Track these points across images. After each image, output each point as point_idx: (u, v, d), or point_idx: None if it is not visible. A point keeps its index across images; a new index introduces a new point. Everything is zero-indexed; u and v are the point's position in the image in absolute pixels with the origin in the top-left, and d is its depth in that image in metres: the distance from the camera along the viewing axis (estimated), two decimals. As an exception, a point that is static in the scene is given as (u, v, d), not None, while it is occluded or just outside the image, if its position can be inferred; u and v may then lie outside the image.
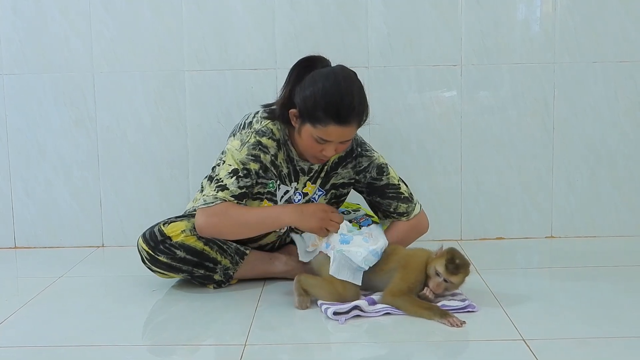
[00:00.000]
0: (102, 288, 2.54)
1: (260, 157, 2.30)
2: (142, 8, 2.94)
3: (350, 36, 2.92)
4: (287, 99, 2.28)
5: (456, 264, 2.07)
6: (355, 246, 2.18)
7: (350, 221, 2.57)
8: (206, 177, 2.62)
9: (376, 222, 2.57)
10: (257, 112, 2.38)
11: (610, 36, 2.92)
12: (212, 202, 2.26)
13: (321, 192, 2.46)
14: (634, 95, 2.95)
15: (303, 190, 2.42)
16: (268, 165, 2.32)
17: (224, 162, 2.30)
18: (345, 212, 2.63)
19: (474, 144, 2.99)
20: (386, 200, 2.44)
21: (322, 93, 2.17)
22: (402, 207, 2.45)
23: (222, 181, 2.27)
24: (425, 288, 2.11)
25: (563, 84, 2.95)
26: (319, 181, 2.44)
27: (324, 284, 2.16)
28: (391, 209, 2.45)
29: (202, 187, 2.60)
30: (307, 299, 2.16)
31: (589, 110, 2.96)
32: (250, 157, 2.29)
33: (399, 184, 2.46)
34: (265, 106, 2.39)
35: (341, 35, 2.91)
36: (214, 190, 2.27)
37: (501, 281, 2.41)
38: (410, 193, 2.48)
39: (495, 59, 2.94)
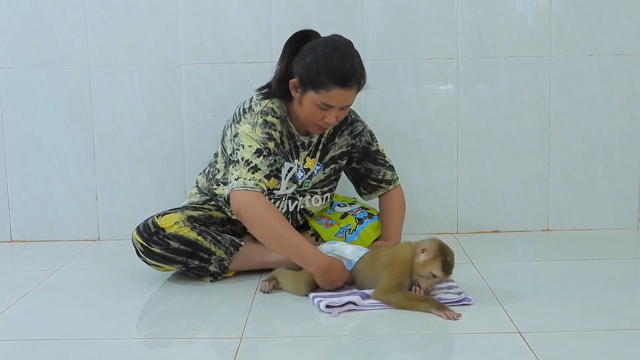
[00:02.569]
0: (98, 281, 2.54)
1: (272, 135, 2.33)
2: (138, 1, 2.93)
3: (346, 30, 2.91)
4: (284, 72, 2.33)
5: (450, 264, 2.06)
6: (340, 245, 2.31)
7: (346, 214, 2.58)
8: (201, 173, 2.63)
9: (372, 214, 2.58)
10: (252, 98, 2.41)
11: (607, 29, 2.92)
12: (252, 188, 2.25)
13: (320, 167, 2.49)
14: (630, 89, 2.95)
15: (304, 167, 2.46)
16: (279, 142, 2.36)
17: (243, 145, 2.30)
18: (341, 205, 2.64)
19: (470, 138, 2.99)
20: (377, 166, 2.56)
21: (324, 59, 2.23)
22: (389, 174, 2.58)
23: (251, 162, 2.28)
24: (416, 288, 2.10)
25: (559, 77, 2.95)
26: (317, 154, 2.48)
27: (289, 275, 2.26)
28: (380, 176, 2.56)
29: (197, 183, 2.62)
30: (270, 285, 2.26)
31: (585, 104, 2.96)
32: (265, 135, 2.31)
33: (384, 153, 2.59)
34: (258, 90, 2.42)
35: (337, 29, 2.87)
36: (249, 172, 2.27)
37: (497, 274, 2.41)
38: (391, 163, 2.61)
39: (492, 52, 2.94)
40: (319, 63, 2.23)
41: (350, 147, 2.54)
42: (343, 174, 2.62)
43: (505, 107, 2.97)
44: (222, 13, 2.94)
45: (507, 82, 2.96)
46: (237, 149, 2.32)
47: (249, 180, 2.25)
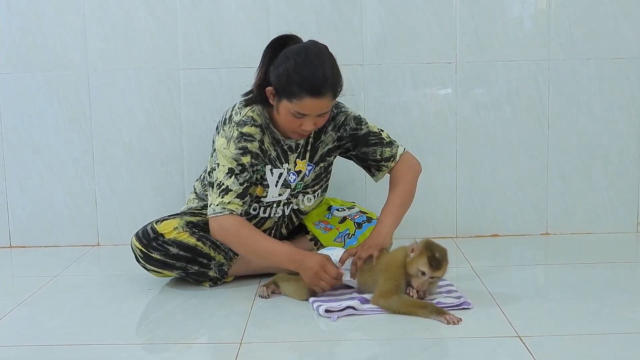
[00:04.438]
0: (97, 286, 2.54)
1: (248, 147, 2.31)
2: (137, 6, 2.93)
3: (345, 34, 2.92)
4: (263, 79, 2.31)
5: (438, 259, 2.05)
6: (338, 251, 2.30)
7: (345, 218, 2.58)
8: (197, 179, 2.64)
9: (371, 218, 2.58)
10: (235, 105, 2.40)
11: (604, 33, 2.92)
12: (220, 212, 2.27)
13: (311, 167, 2.48)
14: (628, 92, 2.95)
15: (295, 170, 2.45)
16: (258, 152, 2.34)
17: (218, 164, 2.31)
18: (340, 209, 2.64)
19: (468, 141, 2.99)
20: (371, 147, 2.47)
21: (294, 68, 2.19)
22: (387, 151, 2.47)
23: (223, 184, 2.29)
24: (409, 289, 2.10)
25: (557, 81, 2.95)
26: (307, 155, 2.46)
27: (291, 279, 2.26)
28: (378, 156, 2.47)
29: (194, 189, 2.62)
30: (269, 290, 2.27)
31: (584, 107, 2.97)
32: (239, 151, 2.30)
33: (379, 132, 2.49)
34: (244, 95, 2.41)
35: (336, 33, 2.91)
36: (219, 196, 2.28)
37: (496, 278, 2.41)
38: (391, 138, 2.50)
39: (490, 56, 2.94)
40: (290, 72, 2.20)
41: (337, 141, 2.49)
42: (353, 163, 2.59)
43: (503, 111, 2.97)
44: (221, 17, 2.94)
45: (505, 85, 2.96)
46: (213, 168, 2.33)
47: (217, 205, 2.27)
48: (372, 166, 2.50)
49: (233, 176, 2.28)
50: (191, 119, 2.99)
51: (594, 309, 2.09)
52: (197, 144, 2.98)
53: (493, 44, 2.94)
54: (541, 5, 2.92)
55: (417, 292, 2.09)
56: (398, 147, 2.49)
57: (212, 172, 2.34)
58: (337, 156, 2.55)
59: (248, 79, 2.89)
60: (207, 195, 2.52)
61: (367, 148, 2.47)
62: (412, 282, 2.09)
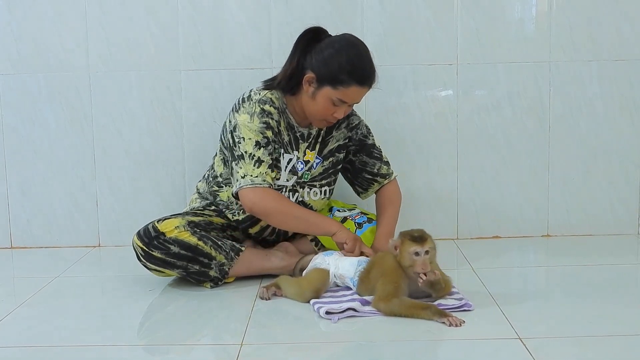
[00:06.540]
0: (98, 288, 2.54)
1: (269, 123, 2.38)
2: (138, 7, 2.94)
3: (346, 35, 2.92)
4: (296, 68, 2.38)
5: (417, 235, 2.09)
6: (334, 254, 2.32)
7: (345, 218, 2.59)
8: (200, 180, 2.63)
9: (371, 219, 2.59)
10: (252, 89, 2.45)
11: (606, 35, 2.92)
12: (261, 184, 2.34)
13: (319, 160, 2.53)
14: (629, 93, 2.95)
15: (304, 159, 2.49)
16: (276, 130, 2.40)
17: (243, 138, 2.36)
18: (341, 210, 2.64)
19: (470, 143, 2.99)
20: (372, 159, 2.59)
21: (346, 56, 2.30)
22: (384, 168, 2.61)
23: (254, 155, 2.34)
24: (419, 280, 2.08)
25: (559, 83, 2.95)
26: (317, 147, 2.51)
27: (293, 281, 2.28)
28: (375, 170, 2.59)
29: (197, 189, 2.62)
30: (270, 292, 2.27)
31: (585, 109, 2.97)
32: (263, 125, 2.36)
33: (380, 148, 2.63)
34: (265, 82, 2.47)
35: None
36: (255, 166, 2.34)
37: (497, 280, 2.41)
38: (388, 159, 2.64)
39: (491, 58, 2.94)
40: (340, 60, 2.29)
41: (347, 140, 2.57)
42: (340, 174, 2.63)
43: (504, 113, 2.98)
44: (222, 19, 2.94)
45: (506, 87, 2.96)
46: (238, 142, 2.37)
47: (256, 176, 2.33)
48: (365, 179, 2.60)
49: (262, 148, 2.35)
50: (192, 121, 2.99)
51: (595, 310, 2.09)
52: (198, 145, 2.98)
53: (494, 45, 2.94)
54: (542, 7, 2.92)
55: (426, 274, 2.06)
56: (392, 170, 2.63)
57: (237, 146, 2.36)
58: None
59: (249, 80, 2.92)
60: (212, 191, 2.54)
61: (369, 159, 2.58)
62: (415, 269, 2.07)
